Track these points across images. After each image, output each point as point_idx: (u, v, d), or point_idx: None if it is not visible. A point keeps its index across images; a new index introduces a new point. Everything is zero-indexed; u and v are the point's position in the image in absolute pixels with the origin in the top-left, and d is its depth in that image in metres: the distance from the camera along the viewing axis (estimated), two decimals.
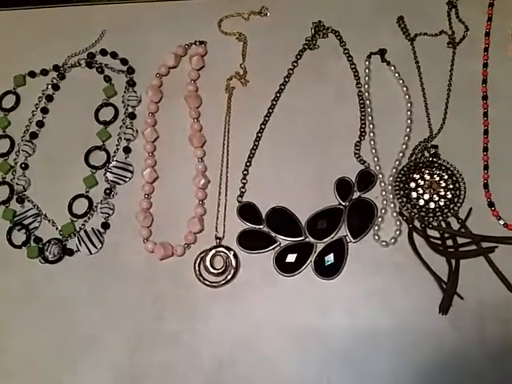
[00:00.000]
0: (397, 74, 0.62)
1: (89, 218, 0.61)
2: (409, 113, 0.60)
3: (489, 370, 0.52)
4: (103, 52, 0.67)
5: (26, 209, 0.62)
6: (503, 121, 0.59)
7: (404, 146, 0.59)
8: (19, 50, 0.69)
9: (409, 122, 0.60)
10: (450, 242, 0.56)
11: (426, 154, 0.58)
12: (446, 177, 0.57)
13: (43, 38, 0.69)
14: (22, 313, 0.59)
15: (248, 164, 0.61)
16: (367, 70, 0.63)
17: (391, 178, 0.58)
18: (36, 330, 0.58)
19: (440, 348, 0.53)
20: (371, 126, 0.60)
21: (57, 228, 0.61)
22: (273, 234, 0.58)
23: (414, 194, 0.57)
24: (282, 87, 0.63)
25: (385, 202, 0.58)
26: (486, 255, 0.54)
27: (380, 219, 0.57)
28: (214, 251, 0.58)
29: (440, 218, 0.56)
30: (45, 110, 0.66)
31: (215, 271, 0.57)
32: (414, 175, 0.57)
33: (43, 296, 0.59)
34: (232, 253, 0.57)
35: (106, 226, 0.60)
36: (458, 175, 0.57)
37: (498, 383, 0.52)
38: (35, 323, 0.58)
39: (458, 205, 0.56)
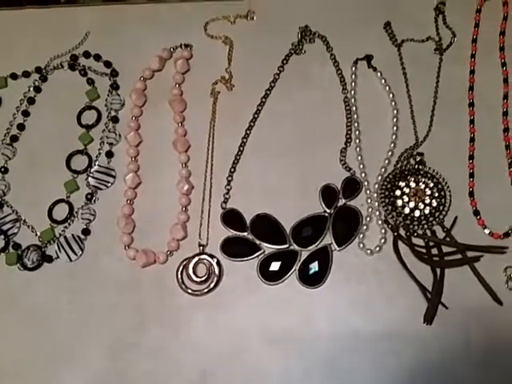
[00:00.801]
0: (383, 81, 0.61)
1: (69, 224, 0.60)
2: (395, 119, 0.60)
3: (473, 379, 0.52)
4: (86, 54, 0.66)
5: (5, 214, 0.61)
6: (489, 128, 0.59)
7: (390, 153, 0.59)
8: (0, 52, 0.68)
9: (395, 128, 0.60)
10: (435, 251, 0.55)
11: (412, 162, 0.58)
12: (432, 185, 0.57)
13: (25, 40, 0.68)
14: (1, 320, 0.57)
15: (232, 170, 0.60)
16: (353, 76, 0.62)
17: (377, 186, 0.58)
18: (14, 338, 0.56)
19: (424, 357, 0.53)
20: (357, 132, 0.60)
21: (36, 234, 0.60)
22: (257, 242, 0.57)
23: (400, 202, 0.56)
24: (268, 92, 0.63)
25: (370, 210, 0.57)
26: (471, 264, 0.54)
27: (365, 227, 0.57)
28: (196, 259, 0.57)
29: (425, 226, 0.56)
30: (26, 113, 0.65)
31: (198, 279, 0.56)
32: (400, 183, 0.57)
33: (22, 304, 0.57)
34: (215, 260, 0.56)
35: (86, 232, 0.59)
36: (443, 183, 0.57)
37: None
38: (13, 331, 0.57)
39: (444, 213, 0.56)
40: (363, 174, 0.58)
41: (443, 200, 0.56)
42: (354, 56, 0.63)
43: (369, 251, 0.55)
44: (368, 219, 0.57)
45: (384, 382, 0.53)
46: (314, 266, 0.55)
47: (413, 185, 0.56)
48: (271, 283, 0.56)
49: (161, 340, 0.55)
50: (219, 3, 0.66)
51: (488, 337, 0.53)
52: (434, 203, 0.56)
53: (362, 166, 0.58)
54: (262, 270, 0.56)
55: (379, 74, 0.62)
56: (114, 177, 0.61)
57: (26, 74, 0.66)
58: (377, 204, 0.57)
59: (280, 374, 0.54)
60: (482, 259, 0.54)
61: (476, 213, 0.56)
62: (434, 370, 0.52)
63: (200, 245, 0.58)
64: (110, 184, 0.61)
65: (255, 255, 0.56)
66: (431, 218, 0.56)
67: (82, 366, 0.55)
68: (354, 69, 0.62)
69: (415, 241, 0.56)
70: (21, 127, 0.64)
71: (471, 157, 0.58)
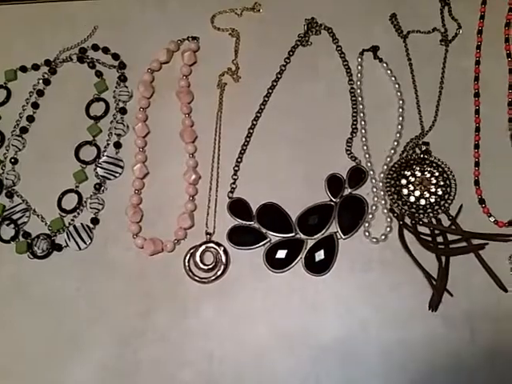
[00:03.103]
0: (389, 71, 0.62)
1: (78, 214, 0.61)
2: (400, 110, 0.60)
3: (478, 366, 0.52)
4: (95, 47, 0.67)
5: (15, 203, 0.62)
6: (494, 118, 0.59)
7: (395, 143, 0.59)
8: (10, 45, 0.69)
9: (400, 119, 0.60)
10: (440, 239, 0.55)
11: (418, 151, 0.58)
12: (437, 174, 0.57)
13: (35, 33, 0.69)
14: (10, 308, 0.58)
15: (239, 160, 0.60)
16: (359, 67, 0.62)
17: (382, 175, 0.58)
18: (23, 326, 0.57)
19: (429, 344, 0.53)
20: (363, 122, 0.60)
21: (46, 223, 0.61)
22: (263, 230, 0.57)
23: (405, 191, 0.57)
24: (274, 83, 0.63)
25: (375, 199, 0.58)
26: (476, 252, 0.54)
27: (370, 216, 0.57)
28: (204, 247, 0.57)
29: (430, 214, 0.56)
30: (35, 105, 0.66)
31: (205, 267, 0.57)
32: (405, 172, 0.57)
33: (31, 291, 0.58)
34: (222, 249, 0.57)
35: (95, 221, 0.60)
36: (448, 172, 0.57)
37: (487, 379, 0.52)
38: (23, 318, 0.58)
39: (449, 202, 0.56)
40: (369, 164, 0.59)
41: (448, 189, 0.56)
42: (359, 47, 0.63)
43: (374, 239, 0.56)
44: (374, 208, 0.57)
45: (390, 370, 0.53)
46: (320, 254, 0.56)
47: (418, 174, 0.57)
48: (277, 271, 0.56)
49: (168, 327, 0.56)
50: None
51: (493, 324, 0.53)
52: (440, 192, 0.56)
53: (367, 156, 0.59)
54: (268, 258, 0.56)
55: (385, 64, 0.62)
56: (122, 167, 0.62)
57: (36, 67, 0.67)
58: (382, 193, 0.58)
59: (285, 361, 0.54)
60: (487, 247, 0.54)
61: (481, 201, 0.56)
62: (439, 357, 0.53)
63: (207, 233, 0.58)
64: (118, 174, 0.62)
65: (261, 244, 0.57)
66: (436, 207, 0.56)
67: (91, 353, 0.56)
68: (360, 60, 0.63)
69: (421, 229, 0.56)
70: (30, 119, 0.65)
71: (476, 146, 0.58)
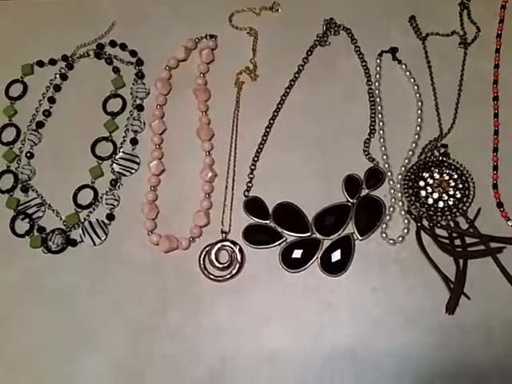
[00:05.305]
0: (408, 73, 0.62)
1: (94, 209, 0.61)
2: (419, 111, 0.60)
3: (494, 371, 0.52)
4: (112, 43, 0.67)
5: (30, 198, 0.62)
6: None
7: (414, 145, 0.59)
8: (28, 39, 0.69)
9: (419, 120, 0.60)
10: (458, 242, 0.55)
11: (436, 153, 0.58)
12: (456, 176, 0.57)
13: (53, 28, 0.69)
14: (24, 302, 0.58)
15: (256, 159, 0.60)
16: (378, 68, 0.62)
17: (400, 177, 0.58)
18: (38, 321, 0.57)
19: (445, 347, 0.53)
20: (381, 123, 0.60)
21: (61, 218, 0.61)
22: (279, 230, 0.57)
23: (423, 193, 0.56)
24: (292, 83, 0.63)
25: (393, 200, 0.57)
26: (494, 255, 0.54)
27: (388, 217, 0.57)
28: (219, 245, 0.57)
29: (448, 217, 0.56)
30: (52, 100, 0.66)
31: (220, 265, 0.56)
32: (424, 174, 0.57)
33: (45, 286, 0.58)
34: (237, 247, 0.57)
35: (110, 217, 0.60)
36: (467, 175, 0.57)
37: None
38: (37, 313, 0.57)
39: (467, 204, 0.56)
40: (386, 165, 0.58)
41: (467, 192, 0.56)
42: (378, 48, 0.63)
43: (391, 241, 0.55)
44: (391, 209, 0.57)
45: (404, 372, 0.53)
46: (336, 255, 0.56)
47: (437, 176, 0.57)
48: (293, 271, 0.56)
49: (182, 324, 0.55)
50: None
51: (510, 327, 0.52)
52: (458, 195, 0.56)
53: (385, 157, 0.59)
54: (284, 257, 0.56)
55: (404, 66, 0.62)
56: (138, 163, 0.62)
57: (53, 62, 0.67)
58: (400, 194, 0.57)
59: (300, 361, 0.54)
60: (505, 251, 0.54)
61: (499, 205, 0.56)
62: (454, 361, 0.52)
63: (222, 232, 0.58)
64: (134, 170, 0.62)
65: (277, 243, 0.57)
66: (455, 209, 0.56)
67: (104, 348, 0.56)
68: (378, 61, 0.62)
69: (438, 231, 0.55)
70: (47, 114, 0.65)
71: (495, 149, 0.58)
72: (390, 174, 0.58)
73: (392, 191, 0.58)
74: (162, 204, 0.60)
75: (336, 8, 0.65)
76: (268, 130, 0.61)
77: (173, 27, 0.67)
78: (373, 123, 0.60)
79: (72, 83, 0.67)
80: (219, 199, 0.59)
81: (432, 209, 0.56)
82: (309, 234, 0.57)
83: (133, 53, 0.66)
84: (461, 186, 0.56)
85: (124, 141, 0.63)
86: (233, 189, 0.60)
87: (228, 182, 0.60)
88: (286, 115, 0.62)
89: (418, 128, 0.59)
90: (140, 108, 0.64)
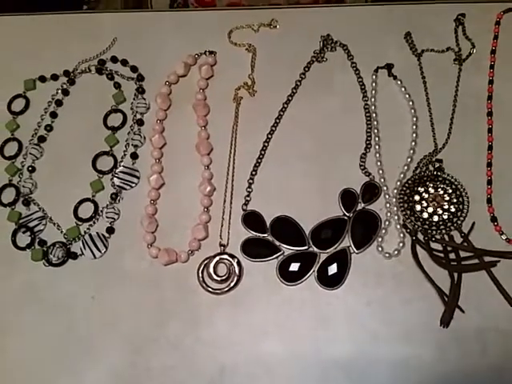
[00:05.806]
0: (403, 89, 0.63)
1: (94, 223, 0.62)
2: (414, 127, 0.61)
3: (489, 383, 0.52)
4: (114, 59, 0.68)
5: (32, 211, 0.62)
6: (507, 137, 0.60)
7: (409, 160, 0.60)
8: (30, 55, 0.70)
9: (414, 135, 0.61)
10: (452, 256, 0.56)
11: (431, 168, 0.59)
12: (450, 191, 0.57)
13: (54, 44, 0.70)
14: (24, 314, 0.58)
15: (254, 173, 0.61)
16: (374, 84, 0.63)
17: (395, 191, 0.59)
18: (37, 333, 0.58)
19: (440, 360, 0.53)
20: (377, 138, 0.61)
21: (61, 231, 0.61)
22: (277, 243, 0.58)
23: (418, 207, 0.57)
24: (290, 98, 0.64)
25: (389, 214, 0.58)
26: (488, 269, 0.54)
27: (384, 231, 0.57)
28: (217, 258, 0.58)
29: (443, 231, 0.56)
30: (54, 115, 0.67)
31: (218, 278, 0.57)
32: (419, 188, 0.58)
33: (46, 298, 0.59)
34: (236, 260, 0.58)
35: (110, 230, 0.61)
36: (461, 189, 0.58)
37: None
38: (37, 325, 0.58)
39: (462, 219, 0.57)
40: (382, 179, 0.59)
41: (461, 206, 0.57)
42: (374, 64, 0.64)
43: (387, 255, 0.56)
44: (387, 223, 0.58)
45: None
46: (333, 268, 0.56)
47: (431, 190, 0.57)
48: (290, 284, 0.57)
49: (181, 337, 0.56)
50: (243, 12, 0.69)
51: (504, 341, 0.53)
52: (452, 209, 0.57)
53: (381, 172, 0.60)
54: (281, 270, 0.57)
55: (399, 82, 0.63)
56: (138, 177, 0.63)
57: (55, 77, 0.69)
58: (395, 208, 0.58)
59: (297, 374, 0.54)
60: (499, 264, 0.55)
61: (493, 219, 0.57)
62: (450, 373, 0.53)
63: (221, 245, 0.59)
64: (134, 184, 0.63)
65: (275, 256, 0.58)
66: (449, 224, 0.56)
67: (104, 360, 0.56)
68: (374, 77, 0.64)
69: (433, 245, 0.56)
70: (48, 128, 0.66)
71: (489, 164, 0.59)
72: (385, 188, 0.59)
73: (388, 205, 0.58)
74: (161, 217, 0.61)
75: (333, 25, 0.66)
76: (266, 144, 0.62)
77: (173, 43, 0.68)
78: (369, 138, 0.61)
79: (73, 98, 0.68)
80: (218, 213, 0.60)
81: (427, 223, 0.57)
82: (306, 247, 0.58)
83: (134, 68, 0.67)
84: (455, 200, 0.57)
85: (124, 155, 0.64)
86: (231, 203, 0.61)
87: (226, 195, 0.61)
88: (284, 130, 0.63)
89: (413, 143, 0.60)
90: (140, 123, 0.65)
